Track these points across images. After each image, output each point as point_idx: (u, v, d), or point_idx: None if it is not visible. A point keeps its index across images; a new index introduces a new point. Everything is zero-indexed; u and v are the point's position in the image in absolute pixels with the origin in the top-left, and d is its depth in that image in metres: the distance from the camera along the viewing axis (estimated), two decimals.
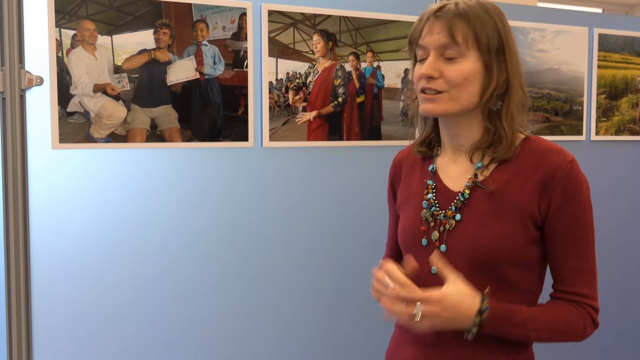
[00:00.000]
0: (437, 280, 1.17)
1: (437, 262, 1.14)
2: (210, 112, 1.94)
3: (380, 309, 2.30)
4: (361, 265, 2.21)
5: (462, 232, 1.17)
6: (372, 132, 2.19)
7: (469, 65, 1.13)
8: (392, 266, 1.14)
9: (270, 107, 2.02)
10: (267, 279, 2.07)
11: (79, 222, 1.81)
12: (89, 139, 1.80)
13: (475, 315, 1.09)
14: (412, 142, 1.37)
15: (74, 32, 1.77)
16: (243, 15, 1.97)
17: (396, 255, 1.42)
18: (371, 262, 2.21)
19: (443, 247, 1.18)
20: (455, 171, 1.23)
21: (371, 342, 2.24)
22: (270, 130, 2.02)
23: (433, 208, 1.22)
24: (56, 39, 1.75)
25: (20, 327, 1.74)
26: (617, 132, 2.65)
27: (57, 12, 1.74)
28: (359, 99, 2.16)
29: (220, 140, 1.96)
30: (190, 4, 1.89)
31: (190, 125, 1.92)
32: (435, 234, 1.20)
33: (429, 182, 1.25)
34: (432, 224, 1.21)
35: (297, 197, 2.10)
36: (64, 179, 1.79)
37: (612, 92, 2.63)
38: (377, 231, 2.22)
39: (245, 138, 1.99)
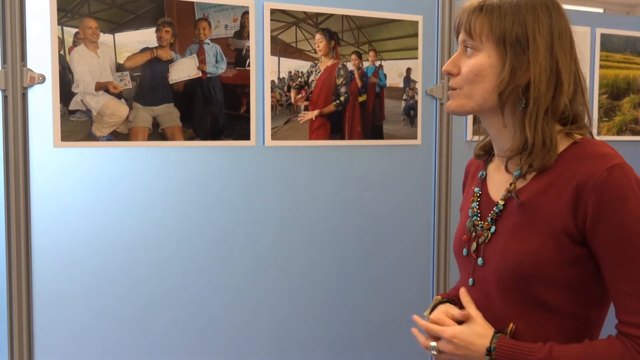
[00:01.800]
0: (473, 292, 1.17)
1: (463, 298, 1.14)
2: (212, 111, 1.94)
3: (379, 311, 2.30)
4: (363, 264, 2.22)
5: (495, 245, 1.11)
6: (374, 131, 2.19)
7: (481, 59, 1.08)
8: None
9: (272, 106, 2.02)
10: (267, 277, 2.06)
11: (80, 221, 1.81)
12: (90, 137, 1.80)
13: (484, 355, 1.07)
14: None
15: (76, 30, 1.77)
16: (245, 13, 1.96)
17: None
18: (373, 261, 2.22)
19: (480, 261, 1.14)
20: (497, 179, 1.18)
21: (370, 342, 2.24)
22: (272, 129, 2.02)
23: (474, 217, 1.18)
24: (58, 37, 1.75)
25: (21, 321, 1.74)
26: (619, 132, 2.65)
27: (59, 10, 1.74)
28: (361, 98, 2.16)
29: (222, 139, 1.96)
30: (192, 2, 1.89)
31: (192, 123, 1.91)
32: (473, 246, 1.16)
33: (476, 189, 1.21)
34: (473, 234, 1.17)
35: (299, 196, 2.09)
36: (66, 177, 1.79)
37: (614, 92, 2.63)
38: (379, 230, 2.23)
39: (247, 137, 1.99)
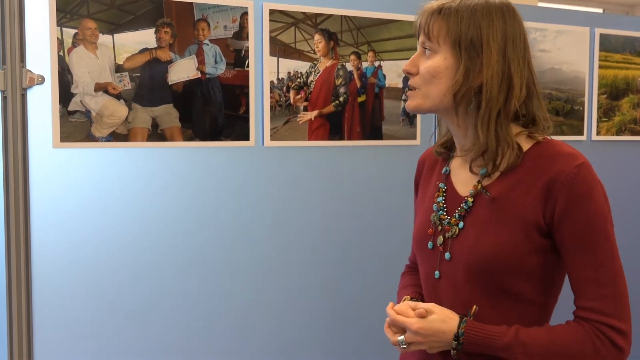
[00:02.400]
0: (440, 285, 1.19)
1: (410, 303, 1.16)
2: (212, 112, 1.94)
3: (379, 310, 2.29)
4: (363, 264, 2.22)
5: (464, 240, 1.15)
6: (373, 131, 2.19)
7: (438, 61, 1.12)
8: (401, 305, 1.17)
9: (271, 106, 2.02)
10: (266, 277, 2.07)
11: (80, 221, 1.81)
12: (90, 138, 1.80)
13: (452, 341, 1.10)
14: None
15: (76, 31, 1.77)
16: (244, 14, 1.96)
17: None
18: (372, 261, 2.22)
19: (447, 255, 1.17)
20: (464, 175, 1.21)
21: (369, 341, 2.24)
22: (271, 129, 2.02)
23: (440, 212, 1.21)
24: (57, 38, 1.75)
25: (21, 320, 1.74)
26: (618, 132, 2.65)
27: (58, 11, 1.74)
28: (360, 99, 2.16)
29: (221, 140, 1.96)
30: (191, 3, 1.89)
31: (192, 124, 1.92)
32: (440, 239, 1.19)
33: (441, 185, 1.24)
34: (439, 227, 1.20)
35: (298, 196, 2.09)
36: (65, 177, 1.79)
37: (613, 92, 2.63)
38: (378, 230, 2.23)
39: (246, 137, 1.99)
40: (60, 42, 1.75)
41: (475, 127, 1.12)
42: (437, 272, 1.19)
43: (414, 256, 1.43)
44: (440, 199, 1.22)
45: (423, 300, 1.25)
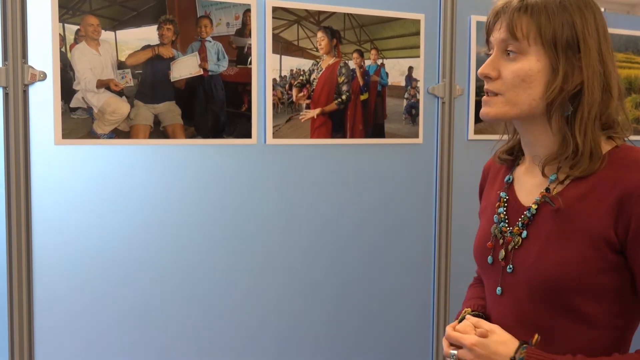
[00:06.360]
0: (502, 301, 1.12)
1: (472, 319, 1.10)
2: (214, 109, 1.94)
3: (380, 308, 2.29)
4: (364, 262, 2.21)
5: (527, 252, 1.06)
6: (375, 130, 2.18)
7: (528, 63, 1.02)
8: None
9: (273, 104, 2.01)
10: (269, 276, 2.06)
11: (82, 218, 1.81)
12: (92, 134, 1.79)
13: None
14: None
15: (78, 27, 1.76)
16: (247, 11, 1.96)
17: None
18: (374, 260, 2.22)
19: (510, 268, 1.09)
20: (528, 183, 1.12)
21: (371, 340, 2.23)
22: (273, 127, 2.02)
23: (502, 223, 1.13)
24: (59, 34, 1.74)
25: (22, 319, 1.73)
26: None
27: (60, 7, 1.74)
28: (363, 97, 2.15)
29: (223, 137, 1.95)
30: (194, 0, 1.88)
31: (194, 121, 1.91)
32: (502, 253, 1.11)
33: (502, 194, 1.16)
34: (500, 241, 1.12)
35: (300, 194, 2.09)
36: (67, 174, 1.78)
37: None
38: (380, 229, 2.22)
39: (248, 135, 1.98)
40: (63, 39, 1.75)
41: (564, 132, 1.04)
42: (499, 289, 1.12)
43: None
44: (501, 209, 1.14)
45: (485, 314, 1.19)
